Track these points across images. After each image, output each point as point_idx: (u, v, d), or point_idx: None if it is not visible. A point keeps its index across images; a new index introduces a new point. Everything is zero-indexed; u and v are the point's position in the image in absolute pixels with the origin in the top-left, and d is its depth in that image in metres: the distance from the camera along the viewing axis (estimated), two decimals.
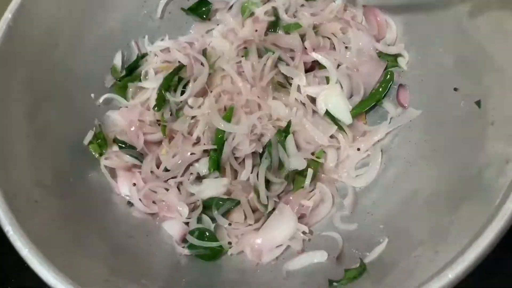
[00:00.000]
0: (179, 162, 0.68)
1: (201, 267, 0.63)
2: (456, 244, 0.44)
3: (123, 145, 0.71)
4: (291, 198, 0.66)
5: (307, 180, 0.66)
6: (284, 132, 0.66)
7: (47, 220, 0.54)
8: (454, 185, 0.53)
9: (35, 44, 0.63)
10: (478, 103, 0.56)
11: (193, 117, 0.70)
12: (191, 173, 0.68)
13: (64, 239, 0.54)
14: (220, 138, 0.66)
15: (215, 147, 0.66)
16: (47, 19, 0.64)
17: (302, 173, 0.67)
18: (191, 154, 0.67)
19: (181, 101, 0.70)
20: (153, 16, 0.80)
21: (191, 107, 0.70)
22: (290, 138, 0.66)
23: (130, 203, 0.68)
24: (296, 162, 0.65)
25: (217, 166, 0.65)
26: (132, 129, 0.71)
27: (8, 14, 0.59)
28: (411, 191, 0.60)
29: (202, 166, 0.67)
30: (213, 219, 0.66)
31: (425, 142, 0.63)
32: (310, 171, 0.66)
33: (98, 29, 0.73)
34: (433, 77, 0.67)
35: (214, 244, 0.64)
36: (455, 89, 0.61)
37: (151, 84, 0.74)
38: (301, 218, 0.65)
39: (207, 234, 0.64)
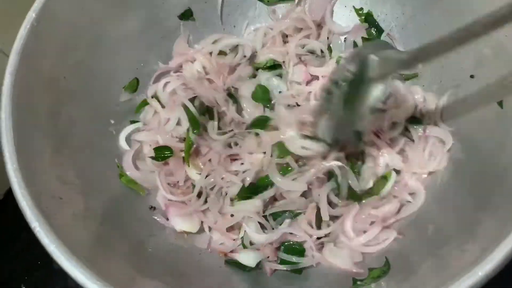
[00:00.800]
0: (211, 181, 0.68)
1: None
2: (484, 242, 0.44)
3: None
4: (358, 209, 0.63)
5: (387, 187, 0.64)
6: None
7: (71, 216, 0.54)
8: (481, 182, 0.52)
9: (58, 43, 0.63)
10: (500, 103, 0.56)
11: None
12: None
13: (88, 236, 0.55)
14: (266, 181, 0.65)
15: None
16: (70, 19, 0.65)
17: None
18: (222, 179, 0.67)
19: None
20: (172, 18, 0.81)
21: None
22: (365, 167, 0.65)
23: (152, 208, 0.69)
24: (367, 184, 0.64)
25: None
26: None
27: (32, 14, 0.60)
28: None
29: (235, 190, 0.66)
30: None
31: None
32: (393, 175, 0.64)
33: (118, 29, 0.73)
34: None
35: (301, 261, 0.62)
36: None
37: (171, 113, 0.72)
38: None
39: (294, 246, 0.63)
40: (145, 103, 0.76)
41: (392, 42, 0.78)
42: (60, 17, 0.63)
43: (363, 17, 0.80)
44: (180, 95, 0.74)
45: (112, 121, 0.72)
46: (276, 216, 0.65)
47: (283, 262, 0.62)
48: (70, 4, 0.64)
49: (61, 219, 0.51)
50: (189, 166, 0.69)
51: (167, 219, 0.67)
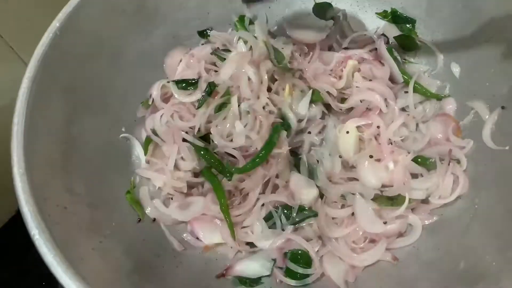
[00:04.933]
0: None
1: None
2: None
3: None
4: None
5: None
6: None
7: (74, 228, 0.52)
8: None
9: (78, 54, 0.63)
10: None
11: None
12: None
13: (90, 250, 0.52)
14: None
15: None
16: (91, 31, 0.65)
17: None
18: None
19: None
20: (194, 36, 0.81)
21: None
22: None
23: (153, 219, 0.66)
24: None
25: None
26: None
27: (56, 23, 0.60)
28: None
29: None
30: None
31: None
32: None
33: (139, 44, 0.73)
34: None
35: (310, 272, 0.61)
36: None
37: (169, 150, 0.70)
38: None
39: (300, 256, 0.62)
40: (149, 140, 0.72)
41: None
42: (83, 28, 0.64)
43: (390, 18, 0.80)
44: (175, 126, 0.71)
45: (127, 134, 0.71)
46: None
47: (289, 273, 0.61)
48: (94, 16, 0.65)
49: (63, 229, 0.49)
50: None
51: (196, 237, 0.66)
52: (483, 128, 0.65)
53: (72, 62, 0.62)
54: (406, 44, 0.79)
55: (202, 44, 0.80)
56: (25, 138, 0.52)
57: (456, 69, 0.73)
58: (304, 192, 0.64)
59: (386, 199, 0.64)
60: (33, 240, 0.45)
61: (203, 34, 0.81)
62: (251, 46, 0.73)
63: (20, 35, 0.79)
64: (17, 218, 0.87)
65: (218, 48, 0.77)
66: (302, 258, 0.62)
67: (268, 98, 0.69)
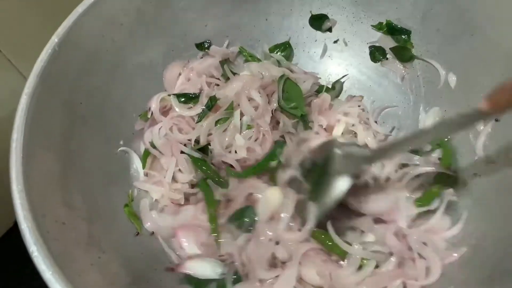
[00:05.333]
0: None
1: None
2: None
3: None
4: None
5: None
6: None
7: (73, 243, 0.52)
8: None
9: (77, 69, 0.64)
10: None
11: None
12: None
13: (89, 265, 0.52)
14: None
15: None
16: (90, 46, 0.66)
17: None
18: None
19: None
20: (192, 49, 0.81)
21: None
22: None
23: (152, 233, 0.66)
24: None
25: None
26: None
27: (54, 38, 0.61)
28: None
29: None
30: None
31: None
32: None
33: (137, 58, 0.74)
34: None
35: None
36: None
37: (167, 163, 0.71)
38: None
39: None
40: (147, 153, 0.73)
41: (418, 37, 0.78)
42: (82, 43, 0.64)
43: (385, 29, 0.81)
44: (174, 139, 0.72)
45: (125, 148, 0.71)
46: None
47: None
48: (92, 31, 0.65)
49: (62, 245, 0.49)
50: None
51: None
52: (477, 139, 0.65)
53: (71, 77, 0.62)
54: (402, 55, 0.80)
55: (201, 58, 0.81)
56: (24, 154, 0.52)
57: (452, 78, 0.74)
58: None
59: None
60: (31, 256, 0.46)
61: (201, 46, 0.81)
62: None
63: (17, 48, 0.80)
64: (15, 230, 0.88)
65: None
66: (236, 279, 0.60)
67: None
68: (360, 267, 0.59)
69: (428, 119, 0.76)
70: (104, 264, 0.54)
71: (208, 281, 0.61)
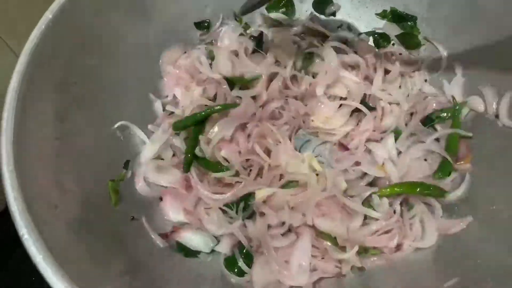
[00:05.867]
0: None
1: None
2: None
3: None
4: None
5: None
6: None
7: (65, 227, 0.50)
8: None
9: (71, 47, 0.61)
10: None
11: None
12: None
13: (81, 250, 0.50)
14: None
15: None
16: (85, 24, 0.63)
17: None
18: None
19: None
20: (190, 31, 0.79)
21: None
22: None
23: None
24: None
25: None
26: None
27: (48, 14, 0.58)
28: None
29: None
30: None
31: None
32: None
33: (134, 38, 0.71)
34: None
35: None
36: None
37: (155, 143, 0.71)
38: None
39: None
40: None
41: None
42: (76, 21, 0.62)
43: (390, 17, 0.80)
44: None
45: (125, 122, 0.70)
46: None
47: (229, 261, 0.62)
48: (88, 8, 0.63)
49: (53, 229, 0.48)
50: None
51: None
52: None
53: (64, 56, 0.60)
54: (409, 42, 0.78)
55: (200, 36, 0.79)
56: (15, 134, 0.50)
57: (458, 66, 0.73)
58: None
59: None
60: (21, 240, 0.44)
61: (200, 25, 0.79)
62: None
63: (10, 26, 0.77)
64: (6, 213, 0.86)
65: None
66: (245, 255, 0.62)
67: None
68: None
69: None
70: (97, 250, 0.53)
71: (199, 252, 0.63)
